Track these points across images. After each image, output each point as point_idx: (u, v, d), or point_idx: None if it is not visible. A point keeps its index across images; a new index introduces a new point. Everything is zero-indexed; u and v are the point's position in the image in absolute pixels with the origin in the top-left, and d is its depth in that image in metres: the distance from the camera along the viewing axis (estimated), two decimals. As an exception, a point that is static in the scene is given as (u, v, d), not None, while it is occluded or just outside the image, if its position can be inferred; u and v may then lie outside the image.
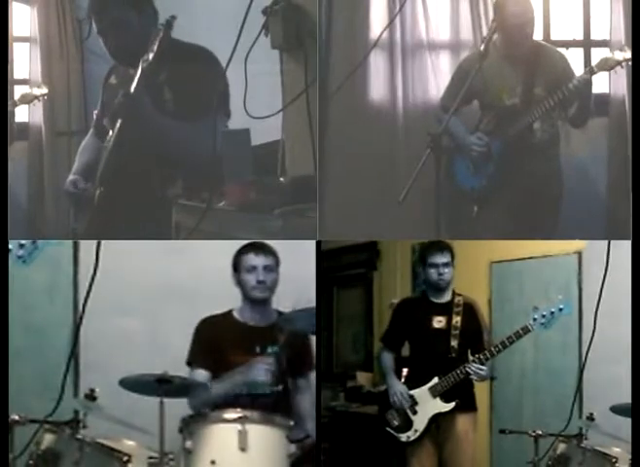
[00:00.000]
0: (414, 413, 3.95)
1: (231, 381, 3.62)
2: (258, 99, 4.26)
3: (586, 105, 4.12)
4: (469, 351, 3.97)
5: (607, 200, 4.72)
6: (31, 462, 3.17)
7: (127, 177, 3.95)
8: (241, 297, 3.78)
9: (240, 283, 3.76)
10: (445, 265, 3.99)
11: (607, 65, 3.95)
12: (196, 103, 3.82)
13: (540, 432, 3.66)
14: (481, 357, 3.86)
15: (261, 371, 3.58)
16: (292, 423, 3.38)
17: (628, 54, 3.91)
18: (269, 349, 3.70)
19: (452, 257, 4.01)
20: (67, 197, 4.13)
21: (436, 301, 4.06)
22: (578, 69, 4.14)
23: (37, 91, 4.54)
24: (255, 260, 3.73)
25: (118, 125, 3.87)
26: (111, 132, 3.97)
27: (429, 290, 4.08)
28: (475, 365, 3.85)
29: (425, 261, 4.03)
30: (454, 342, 3.96)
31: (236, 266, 3.76)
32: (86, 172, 4.14)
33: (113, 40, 3.94)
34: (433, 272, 4.00)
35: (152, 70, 3.83)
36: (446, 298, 4.05)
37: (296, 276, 3.82)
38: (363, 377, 5.72)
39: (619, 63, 3.92)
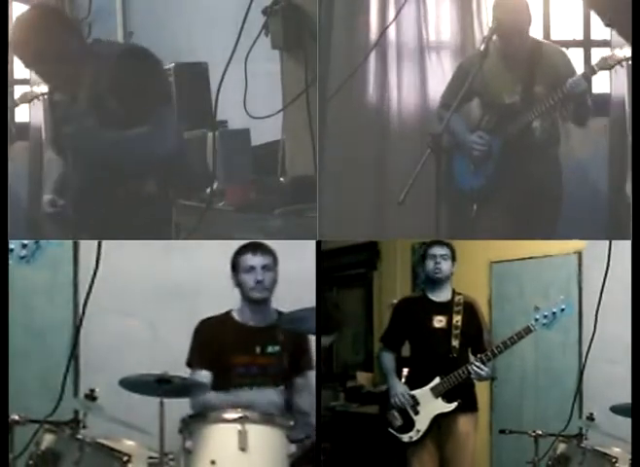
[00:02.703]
0: (416, 413, 3.95)
1: (237, 400, 3.61)
2: (258, 99, 4.27)
3: (586, 104, 4.12)
4: (469, 351, 3.97)
5: (607, 200, 4.72)
6: (31, 462, 3.17)
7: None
8: (240, 297, 3.78)
9: (239, 283, 3.75)
10: (443, 257, 4.00)
11: (607, 64, 3.94)
12: (144, 105, 3.67)
13: (540, 432, 3.66)
14: (483, 357, 3.86)
15: (270, 403, 3.59)
16: (292, 423, 3.38)
17: (628, 53, 3.90)
18: (269, 349, 3.70)
19: (452, 254, 4.02)
20: (48, 218, 3.99)
21: (436, 299, 4.06)
22: (579, 67, 4.14)
23: (37, 90, 4.53)
24: (253, 260, 3.72)
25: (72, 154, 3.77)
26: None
27: (428, 286, 4.08)
28: (476, 365, 3.85)
29: (425, 255, 4.05)
30: (455, 342, 3.96)
31: (235, 266, 3.76)
32: (59, 189, 3.93)
33: (47, 73, 3.74)
34: (430, 263, 4.02)
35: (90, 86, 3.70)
36: (446, 296, 4.05)
37: (296, 276, 3.82)
38: (363, 377, 5.72)
39: (619, 62, 3.91)
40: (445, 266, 4.01)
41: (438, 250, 4.01)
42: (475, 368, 3.85)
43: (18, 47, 3.68)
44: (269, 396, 3.63)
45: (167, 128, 3.62)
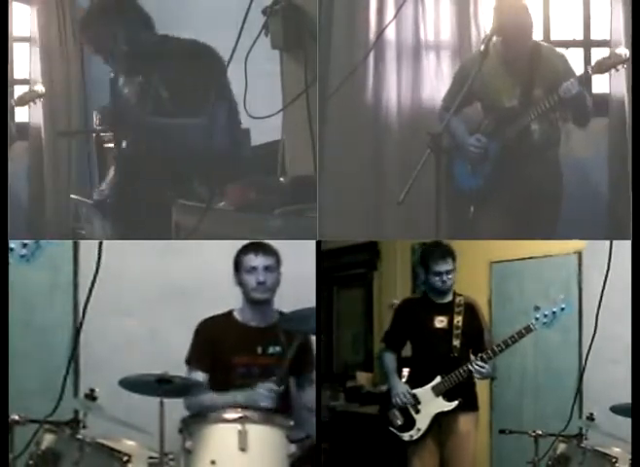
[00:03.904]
0: (417, 412, 3.96)
1: (233, 399, 3.59)
2: (258, 99, 4.26)
3: (584, 106, 4.12)
4: (470, 351, 3.98)
5: (607, 200, 4.72)
6: (31, 462, 3.17)
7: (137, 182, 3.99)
8: (242, 297, 3.77)
9: (241, 284, 3.75)
10: (449, 272, 3.97)
11: (601, 68, 3.94)
12: (195, 98, 3.86)
13: (540, 432, 3.66)
14: (484, 356, 3.87)
15: (264, 396, 3.55)
16: (292, 423, 3.38)
17: (624, 57, 3.90)
18: (270, 350, 3.70)
19: (454, 260, 4.00)
20: (96, 206, 4.16)
21: (437, 300, 4.06)
22: (578, 69, 4.15)
23: (33, 93, 4.54)
24: (255, 260, 3.71)
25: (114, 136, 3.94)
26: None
27: (431, 293, 4.07)
28: (478, 363, 3.85)
29: (428, 267, 4.00)
30: (456, 342, 3.96)
31: (237, 266, 3.75)
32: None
33: (111, 56, 4.02)
34: (437, 281, 3.98)
35: (145, 73, 3.90)
36: (448, 298, 4.05)
37: (296, 276, 3.82)
38: (363, 377, 5.72)
39: (614, 66, 3.91)
40: (451, 281, 3.99)
41: (443, 266, 3.96)
42: (476, 366, 3.85)
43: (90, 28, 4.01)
44: (263, 394, 3.61)
45: (217, 124, 3.85)
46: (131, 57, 4.04)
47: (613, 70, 3.95)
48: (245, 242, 3.77)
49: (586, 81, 4.02)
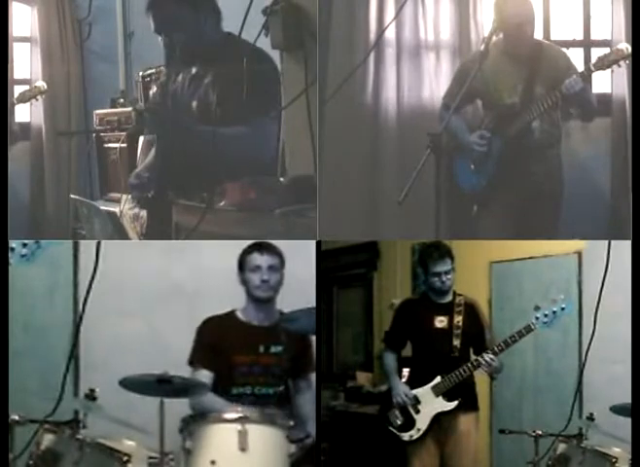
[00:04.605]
0: (417, 412, 3.95)
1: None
2: (258, 99, 4.26)
3: (587, 102, 4.12)
4: (470, 351, 3.98)
5: (607, 200, 4.72)
6: (31, 462, 3.17)
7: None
8: (245, 296, 3.78)
9: (244, 282, 3.76)
10: (447, 272, 3.97)
11: (603, 64, 3.94)
12: (243, 108, 3.83)
13: (540, 432, 3.66)
14: (485, 355, 3.87)
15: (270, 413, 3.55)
16: (292, 423, 3.38)
17: (626, 52, 3.90)
18: (273, 349, 3.70)
19: (453, 260, 4.00)
20: (131, 189, 4.14)
21: (437, 300, 4.06)
22: (579, 68, 4.15)
23: (35, 90, 4.54)
24: (259, 259, 3.73)
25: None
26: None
27: (430, 293, 4.07)
28: (487, 356, 3.84)
29: (427, 268, 4.00)
30: (456, 342, 3.96)
31: (241, 265, 3.76)
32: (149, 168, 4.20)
33: (169, 38, 3.97)
34: (436, 281, 3.98)
35: (200, 70, 3.92)
36: (448, 298, 4.05)
37: (296, 276, 3.82)
38: (363, 377, 5.72)
39: (615, 62, 3.91)
40: (451, 280, 3.99)
41: (442, 267, 3.96)
42: (487, 358, 3.83)
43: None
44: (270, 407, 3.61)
45: (266, 134, 3.87)
46: (190, 50, 3.95)
47: (615, 66, 3.95)
48: (246, 242, 3.77)
49: (587, 78, 4.02)
